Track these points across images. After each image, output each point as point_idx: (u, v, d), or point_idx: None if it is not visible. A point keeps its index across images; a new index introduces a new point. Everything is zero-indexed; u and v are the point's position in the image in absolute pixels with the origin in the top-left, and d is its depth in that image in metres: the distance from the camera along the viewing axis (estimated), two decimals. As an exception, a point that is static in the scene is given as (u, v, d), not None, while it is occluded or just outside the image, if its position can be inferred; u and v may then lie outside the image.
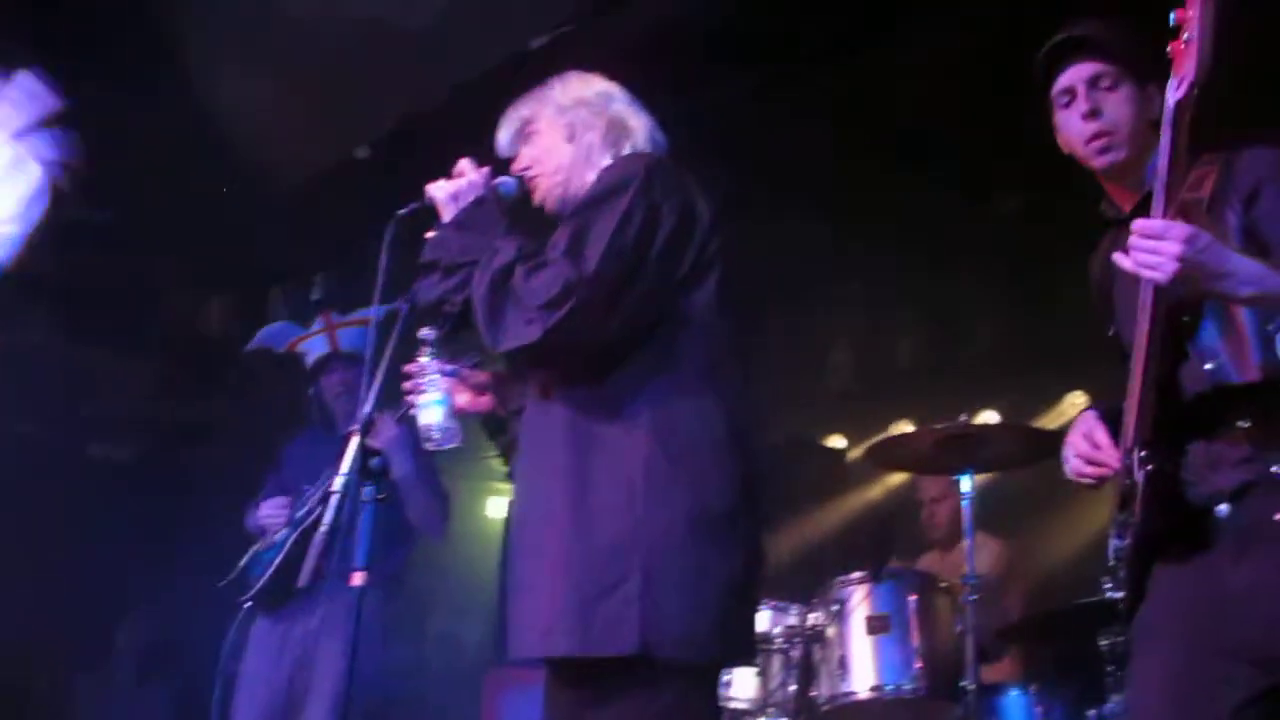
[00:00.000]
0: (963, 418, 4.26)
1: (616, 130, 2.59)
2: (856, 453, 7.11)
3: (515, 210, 2.55)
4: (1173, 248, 2.02)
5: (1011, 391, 6.29)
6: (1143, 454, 2.26)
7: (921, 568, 5.12)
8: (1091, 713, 3.95)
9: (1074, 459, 2.47)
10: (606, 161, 2.53)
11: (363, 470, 2.19)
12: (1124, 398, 2.32)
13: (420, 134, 5.12)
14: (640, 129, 2.62)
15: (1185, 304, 2.20)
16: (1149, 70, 2.36)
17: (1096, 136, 2.38)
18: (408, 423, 4.19)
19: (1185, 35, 2.02)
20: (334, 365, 4.74)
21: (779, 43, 4.83)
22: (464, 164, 2.56)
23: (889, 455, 4.89)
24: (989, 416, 6.08)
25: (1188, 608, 2.28)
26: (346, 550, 2.16)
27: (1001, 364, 6.59)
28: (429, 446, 2.47)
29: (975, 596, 3.96)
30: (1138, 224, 2.08)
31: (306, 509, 4.46)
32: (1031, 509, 5.70)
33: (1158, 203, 2.10)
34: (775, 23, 4.73)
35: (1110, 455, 2.39)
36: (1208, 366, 2.21)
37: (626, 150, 2.57)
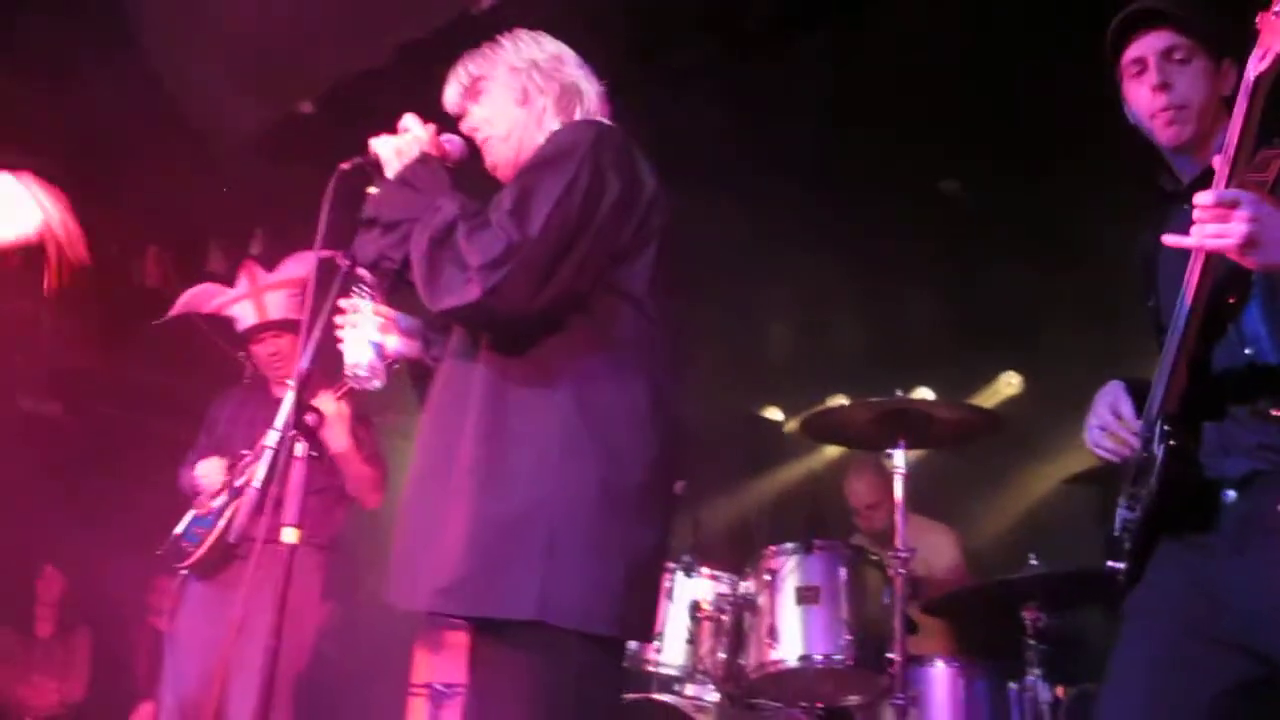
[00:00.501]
0: (898, 393, 4.31)
1: (570, 95, 2.56)
2: (793, 425, 7.16)
3: (463, 168, 2.52)
4: (1244, 213, 2.00)
5: (947, 369, 6.37)
6: (1166, 428, 2.25)
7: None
8: (1013, 686, 4.04)
9: (1095, 429, 2.46)
10: (557, 126, 2.51)
11: (297, 426, 2.17)
12: (1149, 372, 2.33)
13: (365, 91, 5.06)
14: (591, 94, 2.60)
15: (1233, 284, 2.20)
16: (1225, 44, 2.34)
17: (1165, 110, 2.35)
18: (347, 399, 4.19)
19: (1277, 7, 1.98)
20: (264, 335, 4.69)
21: (726, 18, 4.83)
22: (409, 119, 2.52)
23: (824, 428, 4.94)
24: (924, 393, 6.15)
25: (1182, 590, 2.29)
26: (278, 506, 2.14)
27: (938, 342, 6.66)
28: (351, 383, 2.43)
29: (904, 571, 4.02)
30: (1207, 195, 2.03)
31: (245, 479, 4.41)
32: (959, 485, 5.78)
33: (1221, 176, 2.07)
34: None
35: (1131, 430, 2.39)
36: (1247, 351, 2.22)
37: (578, 116, 2.55)
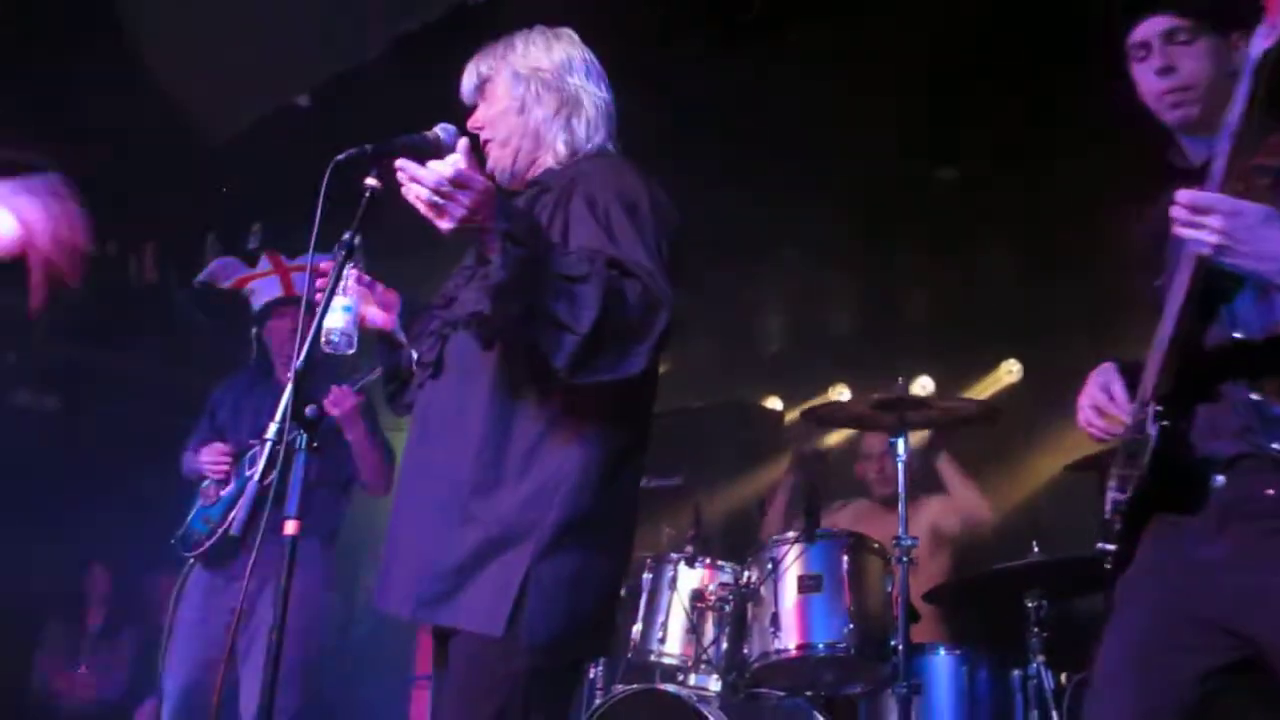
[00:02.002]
0: (900, 381, 4.30)
1: (569, 107, 2.55)
2: (793, 415, 7.16)
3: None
4: (1215, 221, 2.03)
5: (947, 358, 6.36)
6: (1159, 409, 2.27)
7: (849, 519, 5.18)
8: (1016, 673, 4.04)
9: (1087, 409, 2.48)
10: (559, 139, 2.51)
11: (296, 418, 2.16)
12: (1140, 354, 2.35)
13: (361, 84, 5.06)
14: (594, 105, 2.58)
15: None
16: (1232, 20, 2.32)
17: (1169, 92, 2.36)
18: (365, 392, 4.22)
19: None
20: (287, 309, 4.69)
21: (724, 7, 4.82)
22: (446, 169, 2.13)
23: (825, 419, 4.94)
24: (924, 382, 6.15)
25: (1167, 571, 2.32)
26: (280, 499, 2.14)
27: (937, 331, 6.65)
28: (325, 349, 2.43)
29: (906, 559, 4.01)
30: (1184, 195, 2.06)
31: (255, 470, 4.41)
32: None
33: (1220, 157, 2.09)
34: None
35: (1123, 410, 2.40)
36: (1236, 335, 2.23)
37: (577, 127, 2.54)
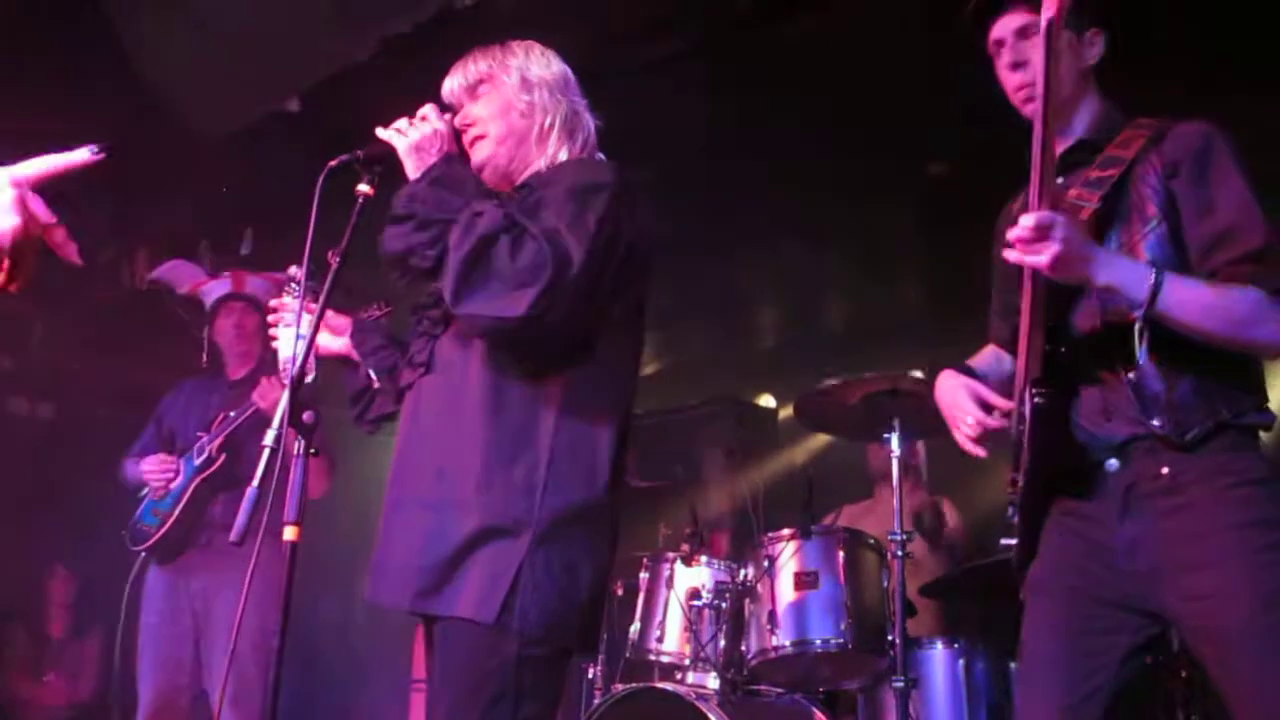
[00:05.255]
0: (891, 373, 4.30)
1: (574, 121, 2.60)
2: (787, 412, 7.17)
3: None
4: (1059, 233, 2.15)
5: (939, 352, 6.35)
6: (1032, 390, 2.32)
7: (849, 518, 5.19)
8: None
9: (970, 424, 2.51)
10: (560, 148, 2.55)
11: (294, 423, 2.17)
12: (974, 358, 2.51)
13: (351, 86, 5.05)
14: (589, 123, 2.63)
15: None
16: (1083, 16, 2.43)
17: (1020, 88, 2.46)
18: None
19: None
20: (232, 306, 4.71)
21: (712, 6, 4.82)
22: (429, 110, 2.53)
23: (816, 409, 4.92)
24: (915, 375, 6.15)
25: (1078, 559, 2.37)
26: (275, 505, 2.15)
27: (928, 327, 6.66)
28: (284, 377, 2.47)
29: (902, 553, 4.02)
30: (1029, 218, 2.17)
31: (205, 456, 4.44)
32: (954, 466, 5.78)
33: (1037, 135, 2.19)
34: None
35: (1001, 406, 2.47)
36: (1107, 318, 2.32)
37: (580, 139, 2.59)
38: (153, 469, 4.53)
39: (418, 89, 2.65)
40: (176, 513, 4.42)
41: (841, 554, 4.10)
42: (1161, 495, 2.28)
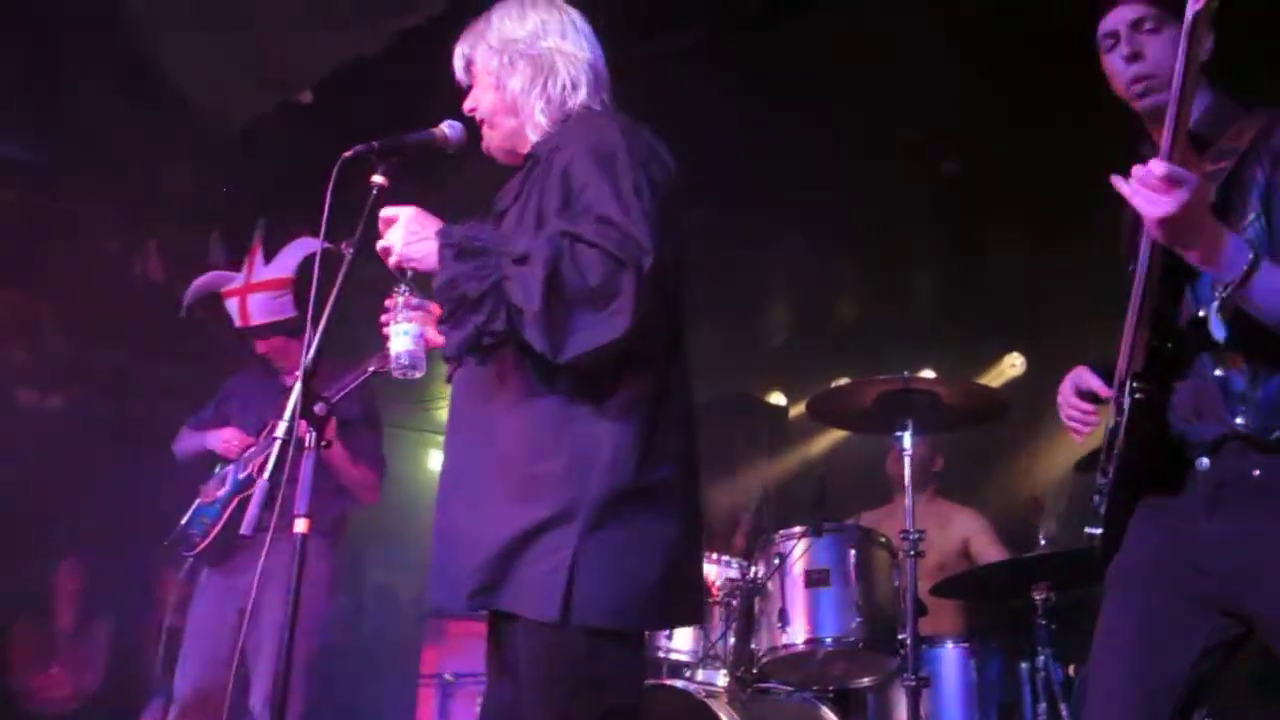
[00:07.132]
0: (904, 373, 4.28)
1: (544, 73, 2.48)
2: (798, 409, 7.16)
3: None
4: (1183, 194, 2.04)
5: (950, 352, 6.35)
6: (1133, 384, 2.29)
7: (865, 522, 5.17)
8: (1024, 665, 4.04)
9: (1066, 406, 2.56)
10: (536, 105, 2.46)
11: (305, 416, 2.15)
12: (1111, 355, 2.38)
13: (364, 78, 5.05)
14: (570, 65, 2.50)
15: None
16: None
17: (1137, 80, 2.38)
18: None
19: None
20: (252, 337, 4.73)
21: (718, 5, 4.82)
22: (385, 212, 2.35)
23: (829, 409, 4.91)
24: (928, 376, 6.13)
25: (1162, 555, 2.34)
26: (288, 498, 2.13)
27: (941, 325, 6.65)
28: (395, 374, 2.42)
29: (914, 552, 4.00)
30: (1161, 166, 2.06)
31: (248, 471, 4.43)
32: (968, 467, 5.77)
33: (1169, 124, 2.11)
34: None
35: (1103, 394, 2.47)
36: (1201, 312, 2.25)
37: (553, 91, 2.47)
38: (227, 437, 4.53)
39: (431, 81, 2.63)
40: (223, 521, 4.40)
41: (853, 552, 4.08)
42: (1252, 496, 2.24)
